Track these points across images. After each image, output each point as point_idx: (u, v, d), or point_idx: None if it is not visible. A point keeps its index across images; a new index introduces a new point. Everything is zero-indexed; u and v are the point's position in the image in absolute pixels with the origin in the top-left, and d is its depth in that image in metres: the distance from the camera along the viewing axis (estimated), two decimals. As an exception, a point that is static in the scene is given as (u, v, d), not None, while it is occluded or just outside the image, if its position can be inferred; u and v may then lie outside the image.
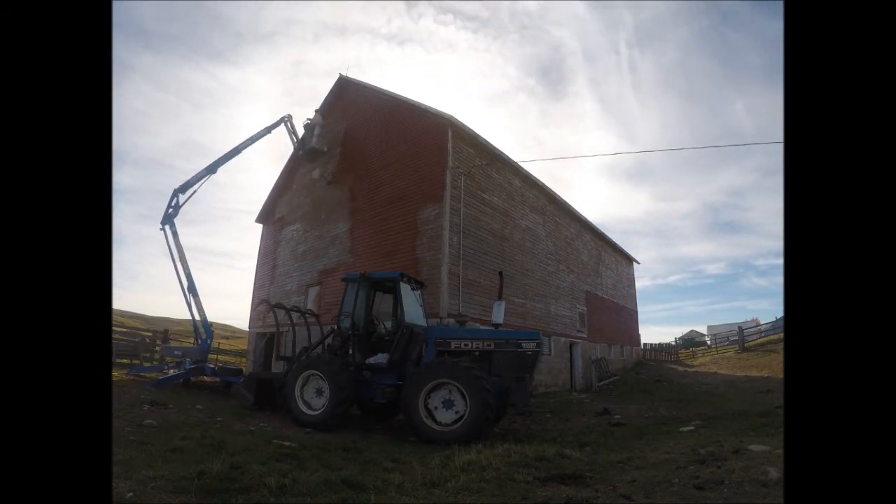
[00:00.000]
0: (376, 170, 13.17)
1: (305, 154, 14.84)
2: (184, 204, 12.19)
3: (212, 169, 12.43)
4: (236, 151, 12.81)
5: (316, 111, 15.34)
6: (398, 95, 13.41)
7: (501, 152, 13.14)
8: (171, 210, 11.93)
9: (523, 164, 14.12)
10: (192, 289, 11.60)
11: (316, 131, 14.65)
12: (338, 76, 15.88)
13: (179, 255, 11.70)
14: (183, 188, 12.22)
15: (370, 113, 14.29)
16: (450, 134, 11.31)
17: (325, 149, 14.67)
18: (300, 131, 14.78)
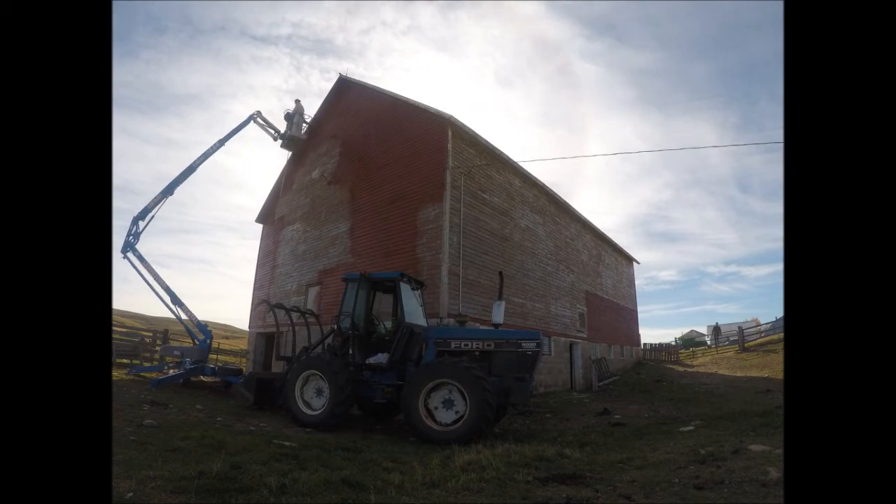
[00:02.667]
0: (376, 170, 13.17)
1: (285, 142, 15.08)
2: (143, 230, 11.98)
3: (169, 191, 12.25)
4: (191, 170, 12.67)
5: (297, 101, 15.67)
6: (398, 95, 13.40)
7: (501, 152, 13.14)
8: (131, 238, 11.79)
9: (523, 164, 14.13)
10: (176, 300, 11.62)
11: (295, 119, 14.87)
12: (338, 76, 15.90)
13: (153, 276, 11.63)
14: (142, 214, 11.99)
15: (370, 113, 14.29)
16: (450, 134, 11.30)
17: (304, 136, 14.95)
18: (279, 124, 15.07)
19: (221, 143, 13.36)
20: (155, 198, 12.12)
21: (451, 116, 11.33)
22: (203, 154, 12.99)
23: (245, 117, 14.40)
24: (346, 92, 15.75)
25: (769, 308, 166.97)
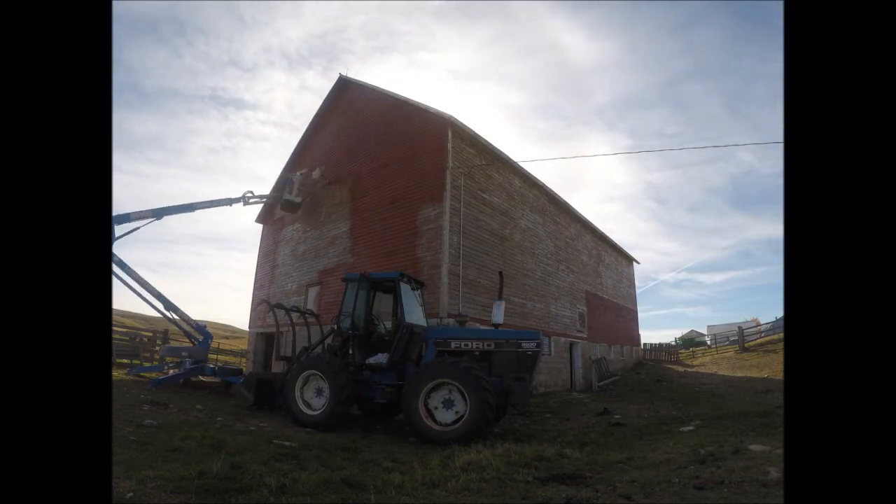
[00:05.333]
0: (376, 170, 13.17)
1: (282, 207, 15.07)
2: (121, 237, 10.98)
3: (159, 214, 11.71)
4: (189, 208, 12.35)
5: (295, 173, 15.41)
6: (398, 95, 13.40)
7: (501, 152, 13.14)
8: None
9: (523, 164, 14.13)
10: (170, 306, 11.23)
11: (296, 181, 14.80)
12: (338, 76, 15.90)
13: (140, 284, 10.86)
14: (120, 220, 10.96)
15: (370, 113, 14.29)
16: (450, 134, 11.30)
17: (300, 200, 14.82)
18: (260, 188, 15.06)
19: (229, 202, 13.24)
20: (143, 212, 11.43)
21: (452, 116, 11.33)
22: (208, 202, 12.78)
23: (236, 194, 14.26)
24: (345, 92, 15.75)
25: (743, 311, 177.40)
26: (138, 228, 11.32)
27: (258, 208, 17.19)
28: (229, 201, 13.24)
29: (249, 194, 13.82)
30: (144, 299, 11.01)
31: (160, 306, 11.18)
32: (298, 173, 15.15)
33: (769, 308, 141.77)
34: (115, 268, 10.59)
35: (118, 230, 10.96)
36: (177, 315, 11.34)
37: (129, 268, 10.75)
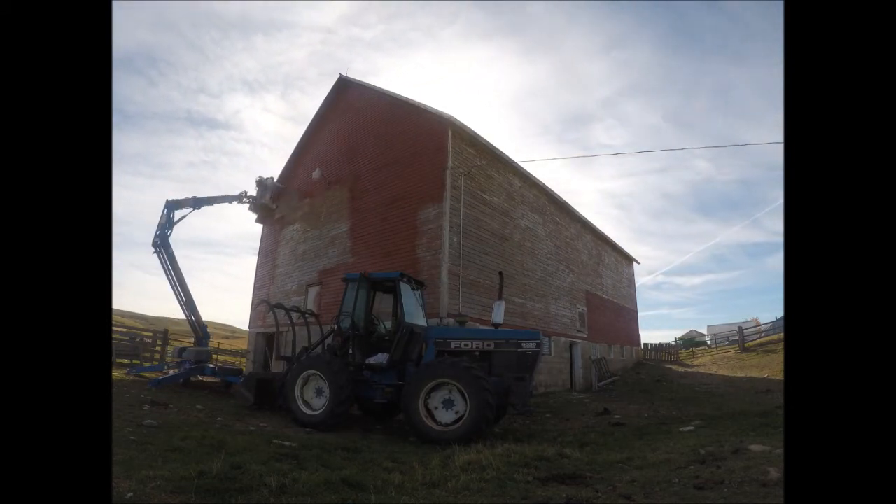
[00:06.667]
0: (376, 170, 13.17)
1: (257, 210, 15.90)
2: (178, 221, 12.20)
3: (197, 205, 12.75)
4: (209, 202, 13.33)
5: (267, 178, 16.05)
6: (398, 95, 13.40)
7: (501, 152, 13.14)
8: (167, 230, 11.89)
9: (523, 164, 14.13)
10: (192, 305, 11.81)
11: (269, 186, 15.58)
12: (338, 76, 15.89)
13: (178, 278, 11.77)
14: (179, 204, 12.19)
15: (370, 113, 14.29)
16: (450, 134, 11.30)
17: (275, 206, 15.77)
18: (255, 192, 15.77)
19: (229, 199, 14.10)
20: (188, 199, 12.49)
21: (452, 116, 11.32)
22: (219, 197, 13.74)
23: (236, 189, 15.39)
24: (345, 92, 15.74)
25: (729, 312, 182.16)
26: (185, 217, 12.60)
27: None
28: (229, 198, 14.19)
29: (244, 193, 14.91)
30: (176, 293, 11.83)
31: (183, 300, 11.88)
32: (269, 177, 15.94)
33: (754, 309, 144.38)
34: (166, 261, 11.79)
35: (176, 214, 12.32)
36: (193, 314, 11.87)
37: (176, 263, 11.84)
